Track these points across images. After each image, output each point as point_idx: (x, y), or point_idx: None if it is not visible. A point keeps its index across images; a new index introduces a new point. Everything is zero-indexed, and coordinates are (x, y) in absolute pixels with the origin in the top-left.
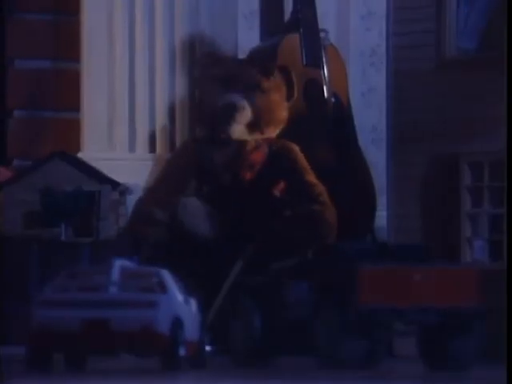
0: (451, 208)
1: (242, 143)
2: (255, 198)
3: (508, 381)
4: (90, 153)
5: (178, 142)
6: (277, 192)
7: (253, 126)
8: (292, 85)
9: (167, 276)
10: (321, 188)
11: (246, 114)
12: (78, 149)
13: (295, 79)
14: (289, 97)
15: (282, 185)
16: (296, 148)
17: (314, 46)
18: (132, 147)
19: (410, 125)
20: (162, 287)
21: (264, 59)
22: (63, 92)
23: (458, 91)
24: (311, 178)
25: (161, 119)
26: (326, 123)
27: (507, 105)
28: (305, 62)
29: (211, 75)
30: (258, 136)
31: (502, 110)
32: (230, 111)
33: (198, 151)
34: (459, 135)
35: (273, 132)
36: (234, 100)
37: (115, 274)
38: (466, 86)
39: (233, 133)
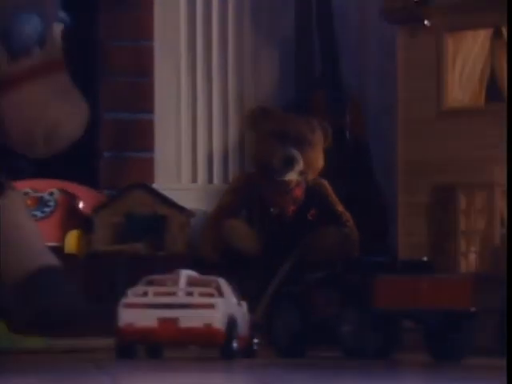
0: (449, 227)
1: (287, 182)
2: (295, 223)
3: (508, 381)
4: (162, 184)
5: (232, 175)
6: (312, 218)
7: (301, 172)
8: (328, 136)
9: (223, 283)
10: (347, 215)
11: (300, 164)
12: (152, 181)
13: (329, 131)
14: (325, 146)
15: (315, 212)
16: (326, 183)
17: (339, 99)
18: (194, 179)
19: (417, 161)
20: (220, 292)
21: (307, 115)
22: (141, 137)
23: (456, 135)
24: (339, 207)
25: (217, 157)
26: (348, 161)
27: (507, 104)
28: (331, 114)
29: (266, 128)
30: (301, 177)
31: (491, 150)
32: (290, 162)
33: (249, 185)
34: (456, 170)
35: (313, 176)
36: (293, 154)
37: (183, 282)
38: (462, 131)
39: (287, 178)
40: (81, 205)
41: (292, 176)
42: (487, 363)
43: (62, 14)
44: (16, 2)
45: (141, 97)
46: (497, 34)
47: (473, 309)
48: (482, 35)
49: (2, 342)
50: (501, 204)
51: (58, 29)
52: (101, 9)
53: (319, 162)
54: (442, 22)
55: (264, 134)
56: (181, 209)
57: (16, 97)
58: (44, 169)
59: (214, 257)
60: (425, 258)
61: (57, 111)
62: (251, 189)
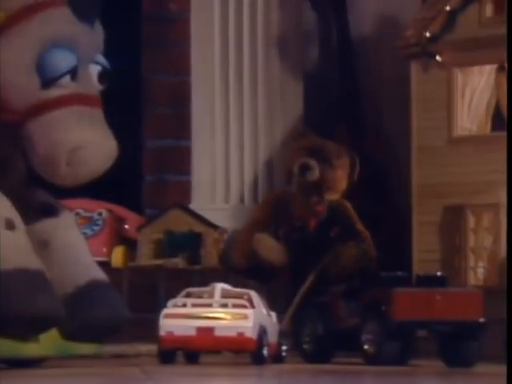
0: (460, 244)
1: (311, 199)
2: (318, 239)
3: (508, 381)
4: (198, 204)
5: (261, 196)
6: (334, 235)
7: (319, 189)
8: (355, 165)
9: (254, 295)
10: (366, 233)
11: (316, 173)
12: (189, 201)
13: (357, 160)
14: (351, 176)
15: (337, 230)
16: (348, 204)
17: (359, 130)
18: (227, 200)
19: (430, 184)
20: (251, 304)
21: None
22: (179, 162)
23: (464, 160)
24: (360, 226)
25: (248, 179)
26: (368, 186)
27: (507, 105)
28: (352, 142)
29: (299, 144)
30: (324, 196)
31: (496, 174)
32: (306, 169)
33: (276, 203)
34: (465, 192)
35: (334, 196)
36: (310, 162)
37: (217, 295)
38: (470, 157)
39: (306, 191)
40: (125, 224)
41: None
42: (495, 370)
43: (101, 58)
44: (54, 39)
45: (179, 126)
46: (501, 69)
47: (482, 319)
48: (488, 70)
49: (54, 349)
50: (506, 226)
51: (94, 70)
52: (144, 48)
53: (342, 183)
54: (451, 58)
55: (296, 148)
56: (215, 227)
57: (43, 121)
58: (93, 190)
59: (245, 266)
60: (438, 273)
61: (80, 137)
62: (278, 206)
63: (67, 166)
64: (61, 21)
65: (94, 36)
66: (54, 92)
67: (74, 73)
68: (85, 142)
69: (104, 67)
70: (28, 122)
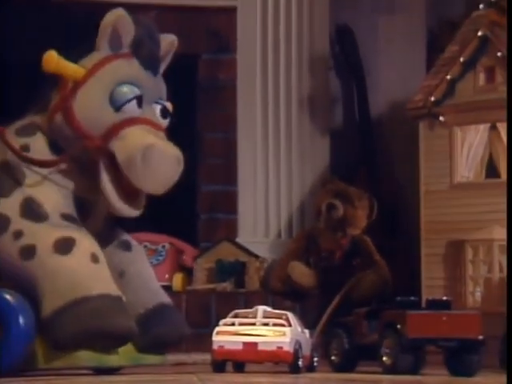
0: (461, 273)
1: (337, 233)
2: (342, 267)
3: (508, 381)
4: (243, 238)
5: (295, 231)
6: (355, 264)
7: (345, 224)
8: (373, 207)
9: (291, 316)
10: (383, 263)
11: (340, 212)
12: (236, 236)
13: (375, 204)
14: (370, 215)
15: (358, 260)
16: (368, 239)
17: (376, 176)
18: (267, 234)
19: (435, 222)
20: (289, 323)
21: (357, 189)
22: (227, 203)
23: (464, 203)
24: (377, 257)
25: (284, 218)
26: (384, 224)
27: (507, 105)
28: (370, 186)
29: (327, 189)
30: (347, 232)
31: (490, 214)
32: (332, 208)
33: (308, 236)
34: (465, 230)
35: (355, 232)
36: (335, 203)
37: (260, 315)
38: (468, 200)
39: (333, 218)
40: (184, 255)
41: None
42: (492, 378)
43: (162, 100)
44: (124, 78)
45: (228, 174)
46: (493, 128)
47: (480, 337)
48: (482, 129)
49: (130, 360)
50: (499, 255)
51: (157, 107)
52: (199, 110)
53: (362, 221)
54: (452, 118)
55: (324, 191)
56: (256, 257)
57: (119, 136)
58: (158, 226)
59: (281, 289)
60: (444, 298)
61: (150, 139)
62: (309, 240)
63: (143, 164)
64: (130, 67)
65: (157, 83)
66: (126, 115)
67: (139, 100)
68: (155, 142)
69: (165, 106)
70: (108, 144)
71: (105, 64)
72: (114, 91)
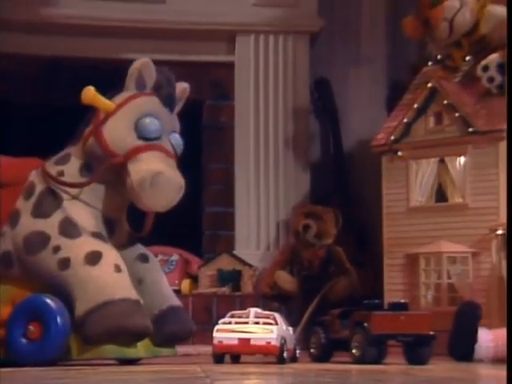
0: (415, 280)
1: (315, 245)
2: (320, 274)
3: (508, 381)
4: (239, 251)
5: (281, 244)
6: (330, 272)
7: (319, 236)
8: (339, 221)
9: (278, 316)
10: (353, 271)
11: (314, 230)
12: (233, 249)
13: (339, 218)
14: (337, 224)
15: (333, 268)
16: (341, 250)
17: (347, 199)
18: (258, 247)
19: (395, 238)
20: (276, 322)
21: (323, 207)
22: (226, 222)
23: (418, 222)
24: (348, 265)
25: (272, 234)
26: (354, 239)
27: (507, 104)
28: (341, 207)
29: (301, 211)
30: (322, 242)
31: (439, 231)
32: (306, 228)
33: (291, 250)
34: (419, 244)
35: (328, 240)
36: (309, 223)
37: (252, 316)
38: (421, 220)
39: (309, 237)
40: (191, 264)
41: (311, 239)
42: (442, 366)
43: (176, 134)
44: (147, 112)
45: (227, 198)
46: (441, 161)
47: (432, 332)
48: (432, 162)
49: (146, 352)
50: (447, 264)
51: (171, 138)
52: (204, 146)
53: (332, 231)
54: (408, 153)
55: (298, 214)
56: (250, 266)
57: (136, 159)
58: (170, 241)
59: (269, 293)
60: (402, 300)
61: (161, 167)
62: (292, 252)
63: (151, 188)
64: (152, 103)
65: (172, 118)
66: (145, 142)
67: (158, 131)
68: (164, 170)
69: (178, 139)
70: (127, 163)
71: (131, 99)
72: (138, 121)
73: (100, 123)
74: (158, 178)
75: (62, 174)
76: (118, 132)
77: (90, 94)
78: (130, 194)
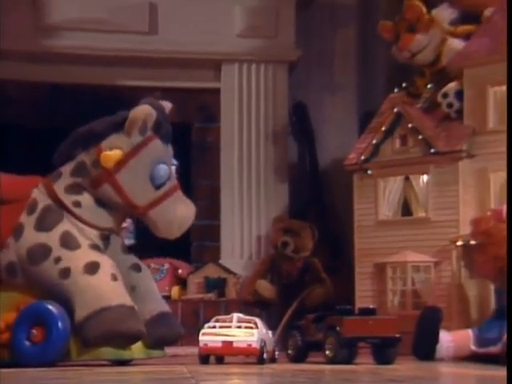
0: (383, 287)
1: (293, 258)
2: (297, 283)
3: (508, 381)
4: (224, 260)
5: (262, 255)
6: (307, 280)
7: (296, 251)
8: (315, 235)
9: (258, 321)
10: (328, 279)
11: (291, 246)
12: (219, 258)
13: (316, 232)
14: (314, 240)
15: (309, 277)
16: (316, 260)
17: (322, 213)
18: (242, 257)
19: (365, 249)
20: (256, 326)
21: (300, 222)
22: (213, 234)
23: (385, 235)
24: (323, 275)
25: (254, 245)
26: (328, 249)
27: (507, 103)
28: (317, 220)
29: (278, 226)
30: (299, 255)
31: (404, 243)
32: (285, 245)
33: (271, 260)
34: (386, 254)
35: (306, 254)
36: (287, 240)
37: (235, 320)
38: (389, 232)
39: (287, 253)
40: (180, 272)
41: (289, 252)
42: (406, 365)
43: (175, 161)
44: (157, 159)
45: (213, 212)
46: (406, 179)
47: (398, 335)
48: (398, 179)
49: (139, 354)
50: (411, 272)
51: (174, 168)
52: (193, 163)
53: (309, 245)
54: (377, 172)
55: (277, 230)
56: (234, 274)
57: (159, 209)
58: (164, 250)
59: (250, 299)
60: (371, 306)
61: (183, 212)
62: (272, 262)
63: (178, 230)
64: (157, 148)
65: (169, 150)
66: (162, 190)
67: (169, 175)
68: (185, 213)
69: (176, 166)
70: (149, 212)
71: (140, 150)
72: (152, 172)
73: (113, 172)
74: (183, 222)
75: (78, 204)
76: (136, 185)
77: (109, 158)
78: (155, 231)
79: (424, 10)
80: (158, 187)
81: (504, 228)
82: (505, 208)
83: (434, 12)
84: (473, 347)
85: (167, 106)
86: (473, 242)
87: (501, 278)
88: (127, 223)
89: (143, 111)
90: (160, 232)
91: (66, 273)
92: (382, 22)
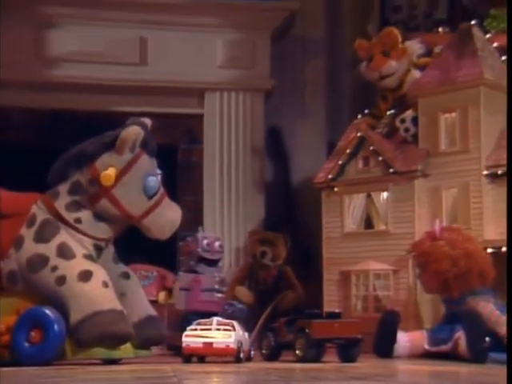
0: (348, 293)
1: (269, 266)
2: (272, 289)
3: (508, 381)
4: None
5: (241, 263)
6: (281, 287)
7: (273, 260)
8: (288, 244)
9: (235, 324)
10: (299, 286)
11: (270, 256)
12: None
13: (289, 243)
14: (287, 249)
15: (283, 284)
16: (289, 268)
17: (295, 228)
18: (222, 265)
19: (332, 258)
20: (234, 328)
21: (274, 234)
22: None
23: (351, 245)
24: (295, 281)
25: (234, 254)
26: (300, 258)
27: (507, 103)
28: (289, 233)
29: (255, 237)
30: (275, 264)
31: (368, 253)
32: (263, 255)
33: (249, 268)
34: (351, 263)
35: (281, 262)
36: (265, 250)
37: (214, 324)
38: (353, 243)
39: (265, 261)
40: (166, 279)
41: (267, 261)
42: (367, 362)
43: (159, 171)
44: (147, 172)
45: (197, 224)
46: (368, 196)
47: (360, 336)
48: (361, 196)
49: (128, 353)
50: (373, 279)
51: (159, 177)
52: (178, 181)
53: (283, 254)
54: (342, 189)
55: (254, 241)
56: None
57: (152, 216)
58: (152, 260)
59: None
60: (337, 310)
61: (173, 216)
62: (250, 270)
63: (169, 232)
64: (146, 163)
65: (155, 162)
66: (154, 199)
67: (159, 185)
68: (174, 216)
69: (161, 174)
70: (143, 220)
71: (132, 166)
72: (144, 184)
73: (110, 188)
74: (173, 224)
75: (79, 221)
76: (131, 197)
77: (108, 177)
78: (148, 234)
79: (400, 39)
80: (150, 197)
81: (441, 245)
82: (438, 228)
83: (407, 44)
84: (426, 346)
85: (148, 122)
86: (415, 262)
87: (446, 289)
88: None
89: (134, 131)
90: (153, 235)
91: (61, 280)
92: (359, 40)
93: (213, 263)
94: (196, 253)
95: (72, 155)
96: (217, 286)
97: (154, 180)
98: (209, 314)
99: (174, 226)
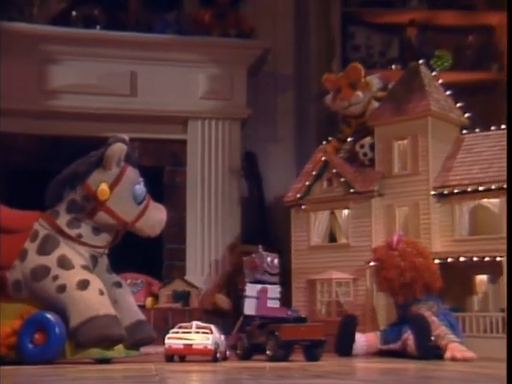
0: (314, 299)
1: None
2: None
3: (508, 381)
4: (189, 276)
5: (220, 271)
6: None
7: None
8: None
9: (213, 327)
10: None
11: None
12: (184, 275)
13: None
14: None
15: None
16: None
17: (270, 242)
18: (203, 274)
19: (300, 268)
20: (211, 331)
21: (251, 245)
22: (180, 255)
23: (316, 257)
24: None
25: (213, 263)
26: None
27: (507, 102)
28: (265, 243)
29: (237, 250)
30: None
31: (334, 263)
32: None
33: (228, 276)
34: (317, 272)
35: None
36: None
37: (194, 327)
38: (319, 256)
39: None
40: (153, 286)
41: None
42: (329, 361)
43: (141, 178)
44: (134, 181)
45: (180, 237)
46: (332, 213)
47: (323, 338)
48: (326, 213)
49: (120, 353)
50: (335, 287)
51: (142, 183)
52: (164, 198)
53: None
54: (309, 207)
55: (236, 254)
56: (196, 288)
57: (142, 220)
58: (139, 269)
59: (210, 310)
60: (303, 315)
61: (160, 215)
62: (230, 278)
63: (158, 230)
64: (131, 173)
65: (137, 171)
66: (143, 204)
67: (145, 192)
68: (162, 216)
69: (143, 180)
70: (136, 223)
71: (120, 179)
72: (133, 193)
73: (104, 201)
74: (162, 223)
75: (80, 236)
76: (124, 206)
77: (104, 192)
78: (141, 234)
79: (363, 73)
80: (139, 203)
81: (393, 255)
82: (396, 239)
83: (368, 78)
84: (379, 345)
85: (127, 137)
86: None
87: (392, 295)
88: None
89: (118, 148)
90: (145, 234)
91: (62, 288)
92: (327, 74)
93: (273, 276)
94: (262, 267)
95: (64, 178)
96: (279, 296)
97: (141, 188)
98: (274, 319)
99: (162, 224)
